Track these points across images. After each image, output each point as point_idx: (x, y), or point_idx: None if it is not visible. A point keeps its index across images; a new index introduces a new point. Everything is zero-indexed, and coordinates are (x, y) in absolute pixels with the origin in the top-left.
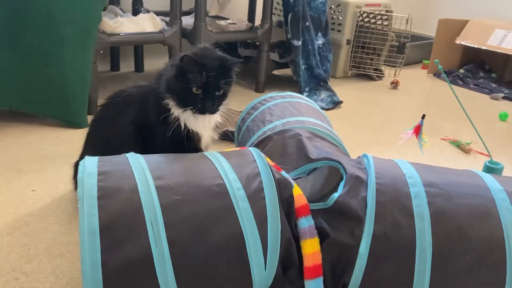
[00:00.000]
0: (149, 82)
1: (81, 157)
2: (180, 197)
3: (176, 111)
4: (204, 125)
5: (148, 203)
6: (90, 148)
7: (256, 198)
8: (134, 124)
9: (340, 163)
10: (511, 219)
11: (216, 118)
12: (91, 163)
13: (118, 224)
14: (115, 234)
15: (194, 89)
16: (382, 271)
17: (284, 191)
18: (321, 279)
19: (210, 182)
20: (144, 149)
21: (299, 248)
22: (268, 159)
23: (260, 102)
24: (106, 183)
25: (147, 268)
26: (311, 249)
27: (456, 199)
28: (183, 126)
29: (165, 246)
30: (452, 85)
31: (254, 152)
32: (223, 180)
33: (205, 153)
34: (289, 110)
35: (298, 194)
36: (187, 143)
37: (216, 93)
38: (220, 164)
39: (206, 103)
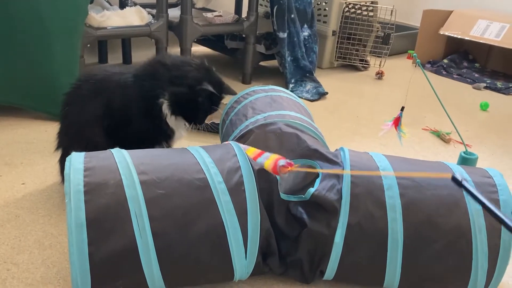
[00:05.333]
0: (125, 70)
1: (58, 145)
2: (163, 191)
3: (167, 111)
4: (180, 124)
5: (133, 197)
6: (63, 134)
7: (236, 191)
8: (105, 109)
9: (316, 163)
10: (477, 208)
11: None
12: (78, 159)
13: (104, 217)
14: (101, 227)
15: (200, 112)
16: (357, 259)
17: (263, 181)
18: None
19: (192, 176)
20: (113, 137)
21: (279, 239)
22: (252, 150)
23: (243, 96)
24: (92, 178)
25: (133, 259)
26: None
27: (426, 190)
28: (168, 124)
29: (150, 238)
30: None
31: (235, 146)
32: (204, 174)
33: (188, 147)
34: (271, 104)
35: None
36: (162, 137)
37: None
38: (202, 158)
39: (202, 120)
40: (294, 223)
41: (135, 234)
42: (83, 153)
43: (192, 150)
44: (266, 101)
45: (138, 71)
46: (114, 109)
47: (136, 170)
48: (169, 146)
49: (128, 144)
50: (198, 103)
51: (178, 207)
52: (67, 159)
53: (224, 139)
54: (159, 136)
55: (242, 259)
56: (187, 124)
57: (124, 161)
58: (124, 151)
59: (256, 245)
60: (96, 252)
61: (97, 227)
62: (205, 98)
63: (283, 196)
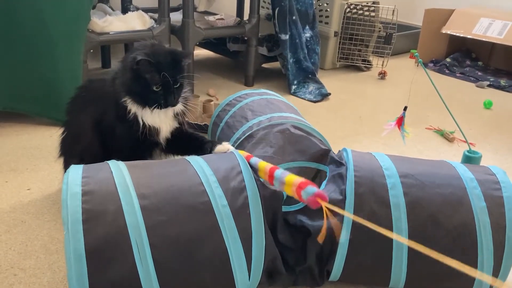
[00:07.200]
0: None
1: (60, 154)
2: (165, 218)
3: (134, 108)
4: (161, 119)
5: (133, 224)
6: (63, 143)
7: (241, 214)
8: (93, 121)
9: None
10: (481, 206)
11: (176, 108)
12: (75, 180)
13: (104, 247)
14: (102, 257)
15: (154, 88)
16: (362, 259)
17: (269, 203)
18: (310, 187)
19: (195, 200)
20: (104, 146)
21: (285, 253)
22: (263, 167)
23: (236, 99)
24: (90, 205)
25: None
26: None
27: (430, 189)
28: (141, 122)
29: (151, 267)
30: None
31: (241, 161)
32: (208, 197)
33: (191, 161)
34: (269, 106)
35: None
36: (146, 137)
37: (174, 86)
38: (206, 176)
39: (168, 98)
40: (297, 234)
41: (136, 262)
42: (80, 170)
43: (196, 166)
44: (263, 104)
45: (110, 77)
46: (103, 119)
47: (136, 193)
48: (163, 153)
49: (121, 154)
50: (148, 80)
51: (180, 234)
52: (64, 178)
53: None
54: (143, 141)
55: (246, 282)
56: (160, 109)
57: (124, 182)
58: (122, 166)
59: (260, 268)
60: (97, 283)
61: (97, 257)
62: (149, 71)
63: (283, 208)
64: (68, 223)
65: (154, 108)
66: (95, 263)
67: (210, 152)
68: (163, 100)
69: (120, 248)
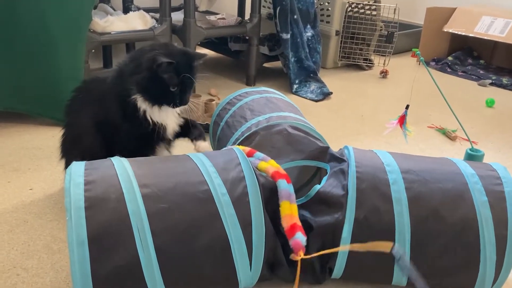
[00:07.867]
0: (107, 76)
1: (61, 155)
2: (166, 205)
3: (143, 106)
4: (168, 116)
5: (135, 212)
6: (64, 144)
7: (240, 203)
8: (94, 121)
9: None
10: (483, 200)
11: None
12: (78, 170)
13: (106, 234)
14: (104, 244)
15: (171, 88)
16: (365, 255)
17: (268, 194)
18: (299, 234)
19: (195, 188)
20: (106, 146)
21: (286, 246)
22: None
23: (236, 98)
24: (92, 193)
25: (136, 275)
26: (288, 210)
27: (432, 184)
28: (150, 120)
29: (153, 253)
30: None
31: (239, 154)
32: (208, 185)
33: (190, 154)
34: (268, 105)
35: (275, 166)
36: (153, 135)
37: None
38: (205, 168)
39: (183, 98)
40: None
41: (138, 249)
42: (83, 164)
43: (195, 158)
44: (262, 103)
45: (111, 75)
46: (105, 118)
47: (138, 182)
48: (168, 146)
49: (125, 152)
50: (166, 80)
51: (181, 221)
52: (67, 171)
53: (220, 141)
54: (150, 138)
55: (247, 271)
56: (173, 108)
57: (125, 173)
58: (124, 160)
59: (261, 258)
60: (99, 269)
61: (99, 244)
62: (168, 72)
63: None
64: (71, 210)
65: (169, 106)
66: (97, 249)
67: (194, 139)
68: (179, 99)
69: (122, 235)
